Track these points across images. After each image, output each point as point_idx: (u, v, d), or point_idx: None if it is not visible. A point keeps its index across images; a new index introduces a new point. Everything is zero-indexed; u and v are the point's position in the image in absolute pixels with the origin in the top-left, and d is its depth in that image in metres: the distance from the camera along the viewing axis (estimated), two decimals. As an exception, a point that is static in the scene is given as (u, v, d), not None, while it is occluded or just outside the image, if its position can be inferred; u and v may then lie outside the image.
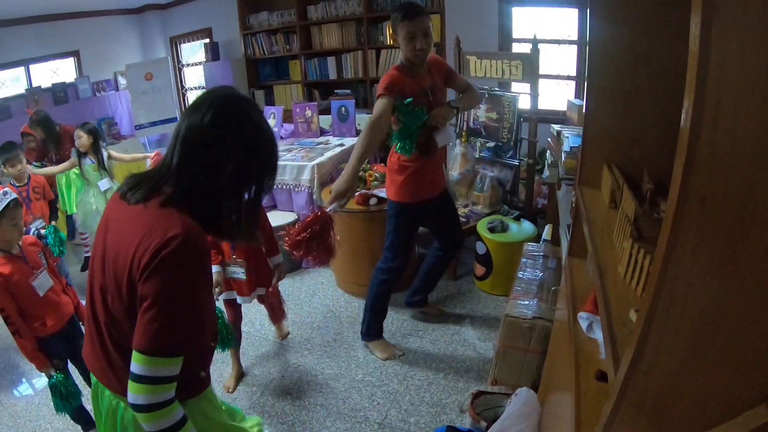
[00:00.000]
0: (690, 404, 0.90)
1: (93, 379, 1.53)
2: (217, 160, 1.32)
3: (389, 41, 6.47)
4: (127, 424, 1.43)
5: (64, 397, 2.73)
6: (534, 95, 4.18)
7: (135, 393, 1.24)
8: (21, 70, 7.99)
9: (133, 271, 1.24)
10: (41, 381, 3.65)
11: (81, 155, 4.84)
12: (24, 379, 3.77)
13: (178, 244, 1.22)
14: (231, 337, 3.00)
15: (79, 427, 3.06)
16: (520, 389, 2.42)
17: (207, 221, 1.35)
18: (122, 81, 8.90)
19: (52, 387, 2.70)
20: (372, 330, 3.46)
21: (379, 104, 2.86)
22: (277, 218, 4.63)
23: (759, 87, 0.70)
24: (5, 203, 2.54)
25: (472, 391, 2.68)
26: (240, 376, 3.35)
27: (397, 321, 3.80)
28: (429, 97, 3.02)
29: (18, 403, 3.49)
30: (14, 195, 2.66)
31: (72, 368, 2.89)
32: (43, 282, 2.67)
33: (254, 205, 1.45)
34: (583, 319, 1.72)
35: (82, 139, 4.74)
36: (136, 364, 1.24)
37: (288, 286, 4.40)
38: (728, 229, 0.77)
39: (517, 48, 5.76)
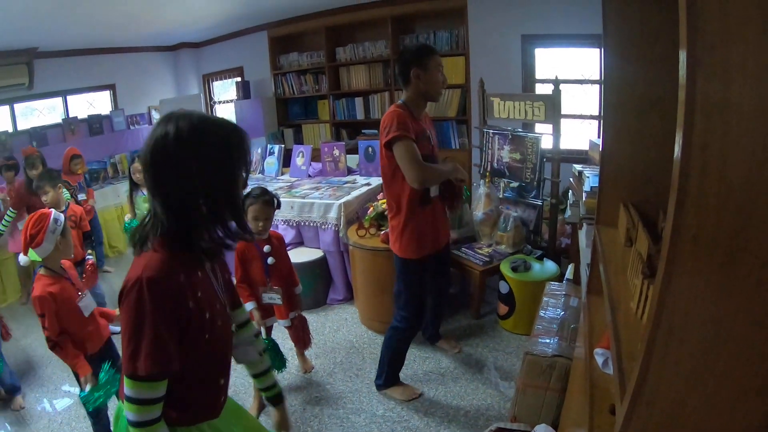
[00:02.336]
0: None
1: None
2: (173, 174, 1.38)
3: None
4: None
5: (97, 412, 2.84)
6: (556, 135, 4.23)
7: (126, 410, 1.38)
8: (59, 100, 8.31)
9: None
10: (63, 401, 3.74)
11: (135, 187, 4.97)
12: (46, 398, 3.83)
13: (131, 286, 1.34)
14: (280, 360, 3.20)
15: None
16: (538, 426, 2.43)
17: (191, 240, 1.42)
18: (155, 115, 9.12)
19: (85, 404, 2.74)
20: (388, 381, 3.46)
21: (406, 149, 2.86)
22: (303, 255, 4.72)
23: (744, 130, 0.76)
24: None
25: (491, 428, 2.69)
26: (261, 407, 3.37)
27: (419, 359, 3.82)
28: (430, 141, 3.08)
29: (40, 421, 3.57)
30: (58, 217, 2.78)
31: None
32: (88, 303, 2.77)
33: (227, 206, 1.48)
34: (599, 355, 1.74)
35: (138, 174, 4.81)
36: (125, 387, 1.37)
37: (313, 322, 4.44)
38: (720, 264, 0.82)
39: (540, 88, 5.85)
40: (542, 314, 3.16)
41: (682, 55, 0.77)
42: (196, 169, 1.36)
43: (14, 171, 5.76)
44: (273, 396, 1.94)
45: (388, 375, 3.43)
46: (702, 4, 0.73)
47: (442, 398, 3.40)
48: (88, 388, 2.69)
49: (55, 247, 2.72)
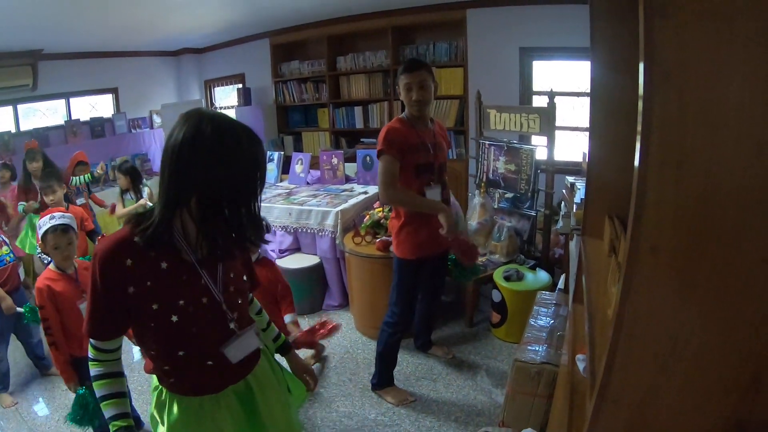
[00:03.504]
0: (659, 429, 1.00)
1: None
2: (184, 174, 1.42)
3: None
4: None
5: (86, 412, 2.84)
6: (550, 147, 4.30)
7: None
8: (61, 102, 8.36)
9: None
10: (62, 399, 3.84)
11: (122, 192, 5.18)
12: (46, 395, 3.97)
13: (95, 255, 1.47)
14: None
15: None
16: (525, 430, 2.49)
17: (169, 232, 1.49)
18: (157, 119, 9.25)
19: (79, 398, 2.83)
20: (382, 380, 3.54)
21: (383, 165, 3.01)
22: (300, 261, 4.79)
23: (700, 147, 0.83)
24: (46, 228, 2.80)
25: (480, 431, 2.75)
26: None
27: (411, 365, 3.89)
28: (429, 151, 3.15)
29: (39, 413, 3.71)
30: (61, 221, 2.86)
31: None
32: None
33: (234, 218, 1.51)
34: (581, 360, 1.81)
35: (120, 180, 5.08)
36: None
37: (308, 326, 4.51)
38: (678, 273, 0.89)
39: (538, 100, 5.93)
40: (532, 322, 3.23)
41: (642, 80, 0.84)
42: (223, 168, 1.40)
43: (8, 170, 5.87)
44: (281, 346, 2.02)
45: (382, 373, 3.51)
46: (659, 38, 0.80)
47: (434, 403, 3.45)
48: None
49: (58, 245, 2.81)
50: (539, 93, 5.98)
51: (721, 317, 0.89)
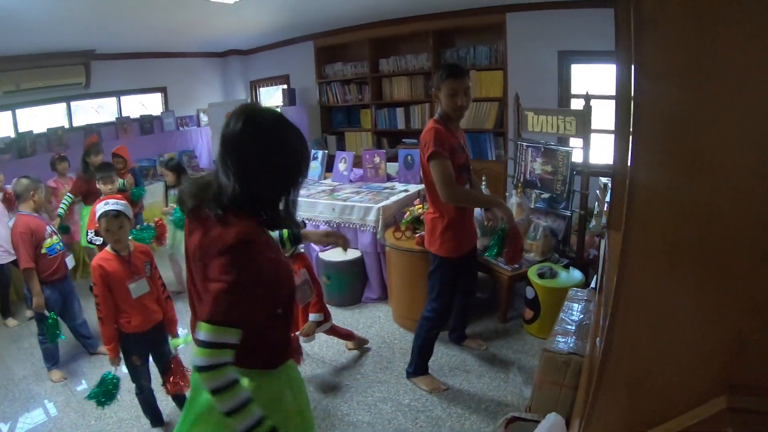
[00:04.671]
0: (658, 394, 1.13)
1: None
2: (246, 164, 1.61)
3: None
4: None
5: (103, 392, 3.15)
6: (586, 149, 4.39)
7: (196, 356, 1.52)
8: (113, 99, 8.76)
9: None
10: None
11: (167, 188, 5.45)
12: (93, 372, 4.30)
13: (231, 245, 1.55)
14: None
15: (148, 420, 3.50)
16: (549, 414, 2.62)
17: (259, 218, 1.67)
18: (204, 118, 9.59)
19: (102, 381, 3.14)
20: (418, 369, 3.70)
21: (440, 167, 3.12)
22: (342, 254, 4.95)
23: (666, 131, 0.97)
24: (100, 213, 3.09)
25: (507, 416, 2.89)
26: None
27: (445, 356, 4.04)
28: (464, 151, 3.32)
29: (83, 394, 3.94)
30: (114, 207, 3.12)
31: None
32: (138, 287, 3.12)
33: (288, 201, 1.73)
34: (599, 343, 1.94)
35: (168, 176, 5.35)
36: (200, 332, 1.54)
37: (347, 318, 4.73)
38: (667, 261, 1.04)
39: (576, 103, 6.00)
40: (563, 316, 3.34)
41: (633, 82, 1.00)
42: (276, 157, 1.62)
43: (67, 162, 6.24)
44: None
45: (418, 364, 3.67)
46: (647, 46, 0.96)
47: (465, 392, 3.60)
48: (115, 370, 3.12)
49: (109, 228, 3.09)
50: (577, 96, 6.05)
51: (706, 291, 1.03)
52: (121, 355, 3.21)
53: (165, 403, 3.58)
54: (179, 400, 3.59)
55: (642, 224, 1.04)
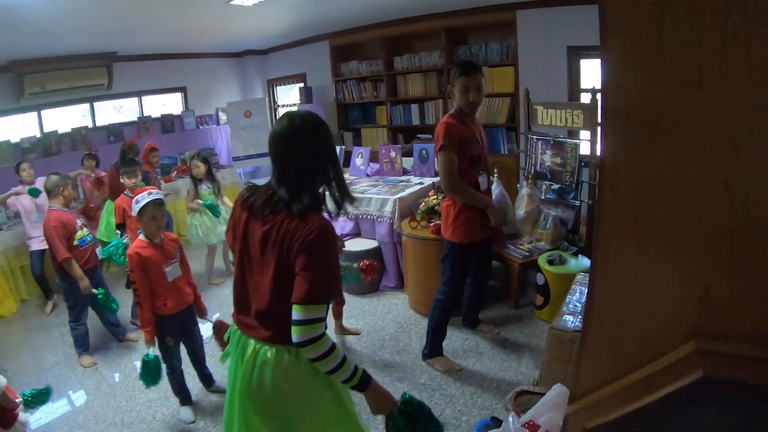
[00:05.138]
0: (634, 343, 1.31)
1: (236, 335, 2.10)
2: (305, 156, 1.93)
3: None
4: (264, 360, 1.96)
5: (150, 374, 3.36)
6: (594, 142, 4.55)
7: (295, 334, 1.79)
8: (134, 100, 9.04)
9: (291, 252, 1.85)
10: (133, 360, 4.51)
11: (197, 182, 5.67)
12: (122, 359, 4.61)
13: (317, 235, 1.81)
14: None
15: (178, 399, 3.74)
16: (556, 385, 2.80)
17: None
18: (223, 116, 9.81)
19: (144, 363, 3.34)
20: (433, 351, 3.91)
21: (445, 159, 3.38)
22: (360, 245, 5.20)
23: (629, 118, 1.16)
24: (144, 202, 3.29)
25: (516, 390, 3.07)
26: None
27: (459, 339, 4.24)
28: (479, 143, 3.52)
29: (117, 373, 4.32)
30: (158, 196, 3.37)
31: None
32: (173, 271, 3.38)
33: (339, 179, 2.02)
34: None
35: (198, 168, 5.56)
36: (296, 313, 1.80)
37: (365, 305, 4.96)
38: (635, 223, 1.22)
39: (585, 97, 6.14)
40: (569, 298, 3.52)
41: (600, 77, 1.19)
42: (321, 150, 1.95)
43: (95, 160, 6.51)
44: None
45: (432, 345, 3.88)
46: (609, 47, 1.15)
47: (478, 373, 3.80)
48: (152, 350, 3.34)
49: (155, 215, 3.33)
50: (586, 90, 6.19)
51: (673, 254, 1.22)
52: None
53: (192, 384, 3.83)
54: (206, 380, 3.85)
55: (612, 198, 1.23)
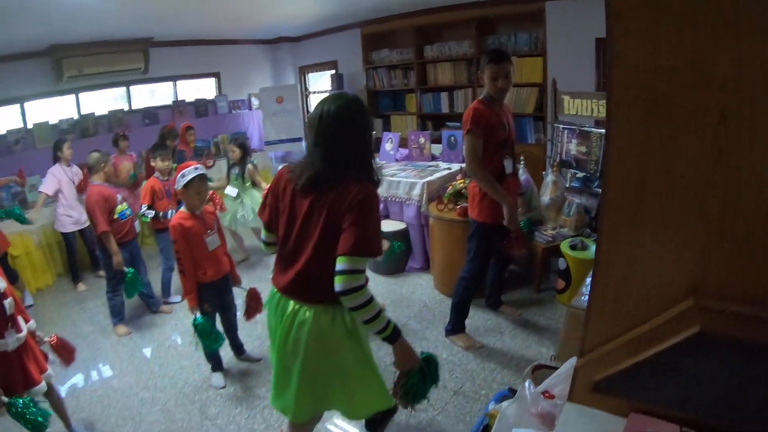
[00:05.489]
0: (636, 300, 1.44)
1: (275, 298, 2.31)
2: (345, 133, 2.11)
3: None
4: (303, 321, 2.17)
5: (205, 337, 3.56)
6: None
7: (339, 283, 1.98)
8: (169, 84, 9.28)
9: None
10: (166, 331, 4.81)
11: (230, 165, 5.92)
12: (156, 326, 4.94)
13: (364, 197, 2.03)
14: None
15: (208, 367, 3.98)
16: (572, 358, 2.93)
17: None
18: (255, 102, 9.99)
19: (195, 326, 3.54)
20: (455, 328, 4.07)
21: (471, 143, 3.52)
22: (388, 226, 5.36)
23: (631, 93, 1.29)
24: (191, 176, 3.48)
25: (533, 364, 3.21)
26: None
27: (482, 319, 4.39)
28: (506, 129, 3.64)
29: (150, 342, 4.58)
30: (202, 171, 3.57)
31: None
32: (213, 241, 3.61)
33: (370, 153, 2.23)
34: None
35: (234, 152, 5.80)
36: (341, 264, 1.99)
37: (391, 284, 5.15)
38: (635, 189, 1.36)
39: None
40: (588, 280, 3.64)
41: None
42: (361, 129, 2.14)
43: (128, 141, 6.87)
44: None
45: (455, 322, 4.04)
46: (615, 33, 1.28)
47: (499, 350, 3.96)
48: (197, 315, 3.54)
49: (200, 189, 3.53)
50: (614, 81, 6.22)
51: (670, 216, 1.34)
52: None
53: (223, 352, 4.04)
54: (238, 349, 4.09)
55: (617, 167, 1.36)
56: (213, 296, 3.71)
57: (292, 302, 2.21)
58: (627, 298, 1.47)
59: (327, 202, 2.06)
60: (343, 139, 2.10)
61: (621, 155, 1.35)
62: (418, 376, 2.31)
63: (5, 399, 2.74)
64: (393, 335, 2.15)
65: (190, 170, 3.52)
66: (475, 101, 3.66)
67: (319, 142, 2.11)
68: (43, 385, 3.02)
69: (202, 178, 3.54)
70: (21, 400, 2.75)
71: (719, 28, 1.10)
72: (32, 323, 3.07)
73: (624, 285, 1.46)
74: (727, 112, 1.14)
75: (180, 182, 3.51)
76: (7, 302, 2.81)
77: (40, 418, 2.77)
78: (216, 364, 3.93)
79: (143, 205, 4.98)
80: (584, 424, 1.59)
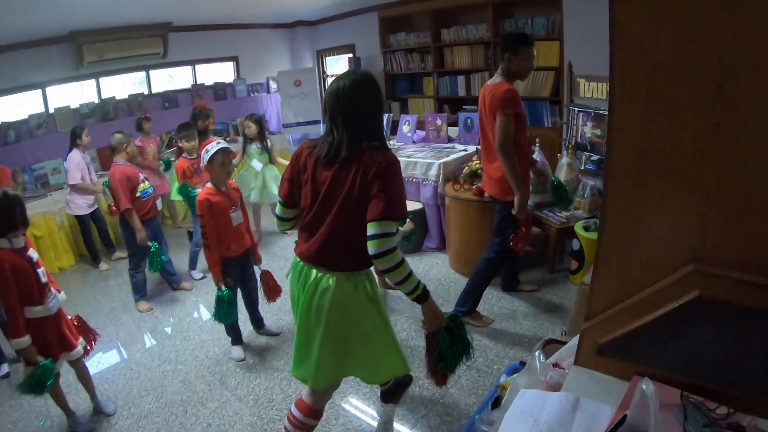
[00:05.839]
0: (639, 267, 1.52)
1: (298, 267, 2.42)
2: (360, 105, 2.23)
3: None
4: (326, 288, 2.28)
5: (225, 310, 3.69)
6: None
7: (372, 247, 2.09)
8: (188, 68, 9.42)
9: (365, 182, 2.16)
10: (187, 306, 4.98)
11: (247, 141, 6.02)
12: (176, 304, 5.09)
13: (389, 164, 2.15)
14: None
15: (228, 340, 4.13)
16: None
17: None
18: (273, 85, 10.08)
19: (218, 299, 3.67)
20: (471, 309, 4.13)
21: (505, 125, 3.55)
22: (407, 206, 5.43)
23: (632, 73, 1.36)
24: (214, 150, 3.61)
25: (544, 339, 3.29)
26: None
27: (495, 298, 4.49)
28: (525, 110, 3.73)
29: (171, 318, 4.75)
30: (225, 144, 3.70)
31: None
32: (237, 216, 3.75)
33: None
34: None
35: (250, 128, 5.91)
36: (372, 228, 2.10)
37: (409, 263, 5.18)
38: (638, 162, 1.44)
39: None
40: (600, 258, 3.71)
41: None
42: (375, 102, 2.26)
43: (151, 123, 7.02)
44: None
45: (473, 303, 4.11)
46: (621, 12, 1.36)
47: (511, 328, 4.05)
48: (221, 287, 3.67)
49: (224, 162, 3.66)
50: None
51: (671, 188, 1.41)
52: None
53: (242, 326, 4.19)
54: (257, 323, 4.27)
55: (620, 138, 1.44)
56: (236, 271, 3.85)
57: (314, 271, 2.32)
58: (630, 264, 1.55)
59: (351, 172, 2.16)
60: (359, 111, 2.21)
61: (623, 128, 1.43)
62: (446, 336, 2.41)
63: (41, 358, 2.93)
64: (423, 295, 2.26)
65: (213, 145, 3.65)
66: (504, 83, 3.67)
67: (337, 115, 2.22)
68: (79, 349, 3.23)
69: (224, 151, 3.66)
70: (48, 364, 2.96)
71: (716, 6, 1.18)
72: (63, 294, 3.21)
73: (627, 252, 1.55)
74: (724, 86, 1.22)
75: (204, 158, 3.63)
76: (41, 270, 3.00)
77: (49, 383, 2.97)
78: (236, 337, 4.07)
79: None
80: (589, 385, 1.68)
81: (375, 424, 3.21)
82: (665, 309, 1.46)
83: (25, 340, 2.89)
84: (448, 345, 2.40)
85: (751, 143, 1.23)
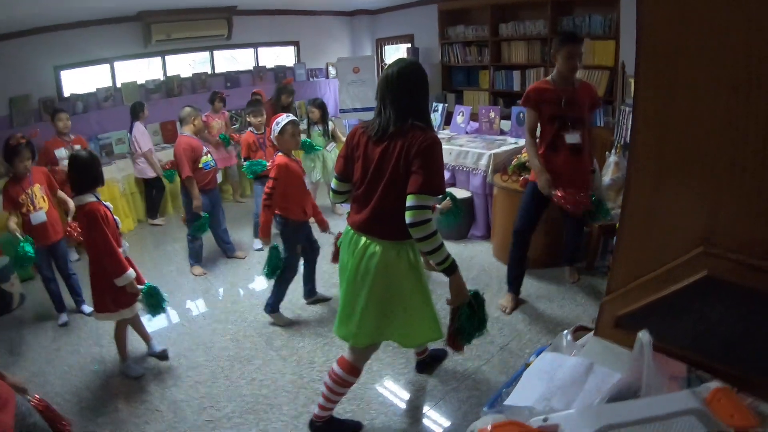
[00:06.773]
0: (656, 245, 1.68)
1: (348, 234, 2.67)
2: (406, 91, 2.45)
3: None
4: (373, 253, 2.52)
5: (274, 267, 4.04)
6: (682, 115, 4.73)
7: (411, 217, 2.30)
8: (250, 51, 9.74)
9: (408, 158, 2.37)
10: (239, 273, 5.40)
11: (312, 124, 6.37)
12: (228, 271, 5.47)
13: (431, 143, 2.35)
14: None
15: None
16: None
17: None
18: (332, 71, 10.32)
19: (271, 250, 4.00)
20: (510, 287, 4.35)
21: (526, 115, 3.95)
22: (456, 193, 5.54)
23: (654, 68, 1.52)
24: (284, 122, 3.92)
25: (575, 325, 3.42)
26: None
27: (534, 287, 4.64)
28: (560, 105, 3.83)
29: (224, 283, 5.13)
30: (293, 117, 3.98)
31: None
32: (307, 183, 4.05)
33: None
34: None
35: (313, 113, 6.25)
36: (412, 201, 2.30)
37: (452, 249, 5.10)
38: (656, 155, 1.59)
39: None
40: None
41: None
42: (419, 85, 2.49)
43: (223, 103, 7.26)
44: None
45: (508, 282, 4.35)
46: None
47: (547, 316, 4.21)
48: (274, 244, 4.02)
49: (287, 136, 3.97)
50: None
51: (686, 177, 1.56)
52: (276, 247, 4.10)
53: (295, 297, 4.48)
54: (310, 291, 4.59)
55: (643, 131, 1.60)
56: (304, 236, 4.20)
57: (364, 238, 2.57)
58: (648, 244, 1.72)
59: (396, 149, 2.38)
60: (406, 94, 2.44)
61: (646, 122, 1.59)
62: (468, 310, 2.66)
63: (143, 287, 3.56)
64: (451, 267, 2.49)
65: (283, 118, 3.96)
66: (541, 80, 3.98)
67: (387, 98, 2.46)
68: (147, 284, 3.65)
69: (294, 123, 4.00)
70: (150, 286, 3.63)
71: (732, 11, 1.34)
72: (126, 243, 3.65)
73: (646, 233, 1.71)
74: (738, 86, 1.37)
75: (275, 130, 3.95)
76: (117, 219, 3.49)
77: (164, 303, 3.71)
78: (276, 301, 4.30)
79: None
80: (604, 354, 1.85)
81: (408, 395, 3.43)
82: (677, 286, 1.62)
83: (131, 272, 3.42)
84: (467, 319, 2.66)
85: (761, 136, 1.37)
